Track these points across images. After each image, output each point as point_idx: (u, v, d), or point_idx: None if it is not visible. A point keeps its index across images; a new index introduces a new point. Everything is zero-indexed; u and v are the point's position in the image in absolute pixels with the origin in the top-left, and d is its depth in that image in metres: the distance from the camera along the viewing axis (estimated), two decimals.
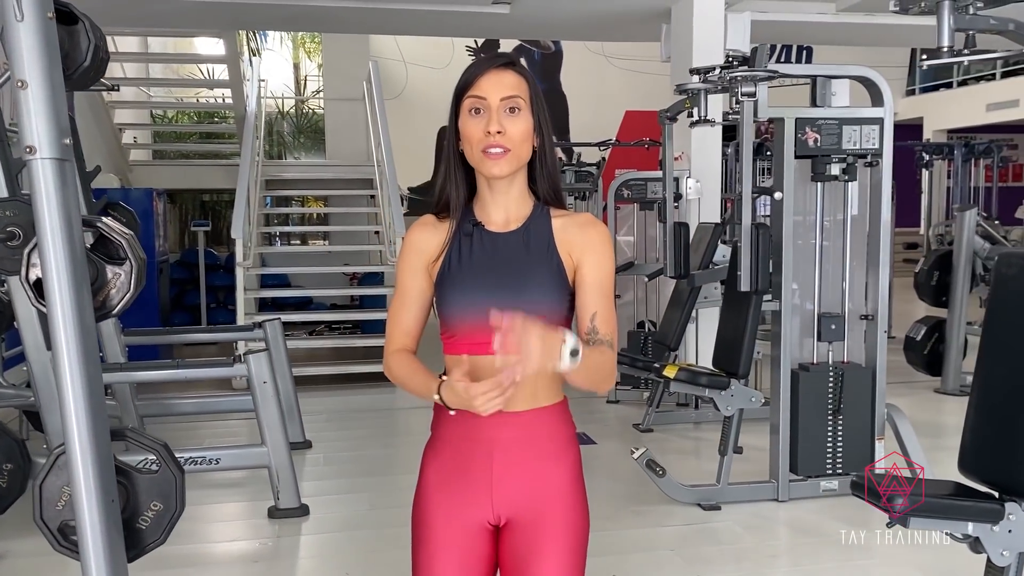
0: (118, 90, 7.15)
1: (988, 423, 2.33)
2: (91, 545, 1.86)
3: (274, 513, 4.03)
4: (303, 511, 4.05)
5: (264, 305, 8.21)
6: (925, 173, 12.81)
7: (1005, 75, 15.01)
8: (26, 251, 1.88)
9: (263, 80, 10.14)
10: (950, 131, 15.76)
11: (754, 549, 3.72)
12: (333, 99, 11.02)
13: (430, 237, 1.68)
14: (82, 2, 2.30)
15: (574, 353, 1.42)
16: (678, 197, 5.21)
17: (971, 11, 2.46)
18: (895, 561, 3.52)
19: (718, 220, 5.89)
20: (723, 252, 5.46)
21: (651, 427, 5.55)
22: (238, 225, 6.93)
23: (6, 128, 3.47)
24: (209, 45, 12.72)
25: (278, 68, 14.87)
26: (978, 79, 15.94)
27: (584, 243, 1.65)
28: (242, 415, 5.83)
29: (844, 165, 4.04)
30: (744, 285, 3.80)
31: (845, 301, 4.22)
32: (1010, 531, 2.21)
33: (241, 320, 6.95)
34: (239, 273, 7.00)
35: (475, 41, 17.14)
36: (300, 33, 15.77)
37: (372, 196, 9.23)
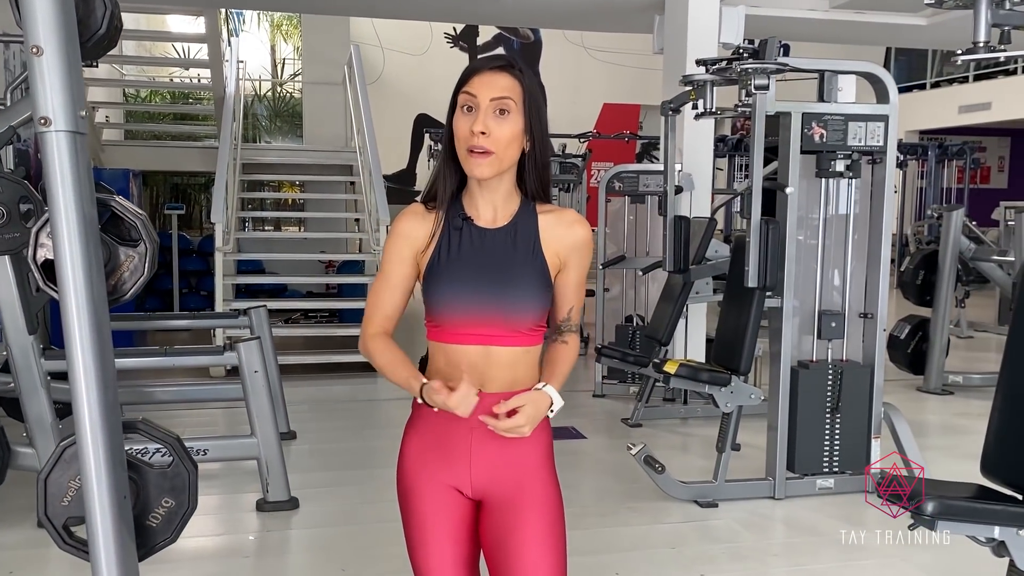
0: (96, 66, 6.92)
1: (1012, 426, 2.30)
2: (102, 545, 1.75)
3: (263, 506, 3.92)
4: (293, 504, 3.94)
5: (239, 291, 8.04)
6: (898, 173, 12.94)
7: (978, 78, 15.19)
8: (34, 230, 1.75)
9: (242, 62, 9.91)
10: (922, 132, 15.94)
11: (754, 547, 3.68)
12: (311, 83, 10.83)
13: (419, 226, 1.72)
14: None
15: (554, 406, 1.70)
16: (679, 190, 5.14)
17: (1008, 6, 2.42)
18: (893, 560, 3.50)
19: (709, 215, 5.85)
20: (715, 247, 5.43)
21: (640, 422, 5.51)
22: (218, 209, 6.75)
23: None
24: (185, 23, 12.41)
25: (255, 50, 14.58)
26: (950, 81, 16.12)
27: (571, 245, 1.73)
28: (221, 404, 5.69)
29: (849, 162, 4.00)
30: (751, 281, 3.75)
31: (846, 299, 4.20)
32: None
33: (219, 307, 6.78)
34: (218, 259, 6.82)
35: (454, 28, 16.97)
36: (278, 15, 15.50)
37: (352, 183, 9.08)
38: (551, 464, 1.79)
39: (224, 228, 6.82)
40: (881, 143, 4.01)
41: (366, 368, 7.05)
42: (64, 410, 3.54)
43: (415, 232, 1.71)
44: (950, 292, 6.40)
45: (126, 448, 1.85)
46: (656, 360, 4.61)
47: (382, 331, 1.73)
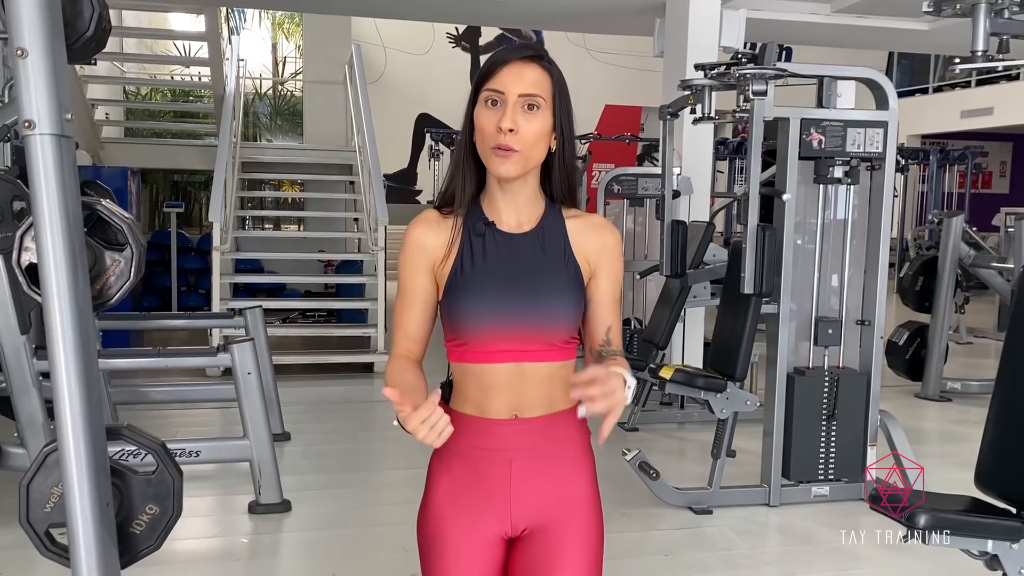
0: (95, 63, 6.90)
1: (1008, 439, 2.28)
2: (83, 552, 1.73)
3: (255, 508, 3.89)
4: (285, 507, 3.92)
5: (237, 290, 8.02)
6: (900, 177, 12.91)
7: (980, 83, 15.17)
8: (18, 233, 1.74)
9: (242, 60, 9.90)
10: (924, 136, 15.93)
11: (748, 555, 3.66)
12: (312, 82, 10.81)
13: (435, 235, 1.56)
14: None
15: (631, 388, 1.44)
16: (676, 194, 5.12)
17: (1006, 14, 2.40)
18: (888, 570, 3.48)
19: (708, 219, 5.84)
20: (713, 251, 5.41)
21: (636, 426, 5.49)
22: (216, 208, 6.73)
23: None
24: (187, 21, 12.41)
25: (256, 48, 14.58)
26: (953, 86, 16.10)
27: (600, 250, 1.59)
28: (215, 404, 5.67)
29: (847, 168, 3.98)
30: (747, 287, 3.73)
31: (843, 305, 4.18)
32: None
33: (217, 306, 6.76)
34: (215, 258, 6.81)
35: (456, 28, 16.98)
36: (279, 13, 15.50)
37: (351, 182, 9.06)
38: (596, 492, 1.63)
39: (222, 227, 6.81)
40: (880, 149, 3.99)
41: (363, 369, 7.04)
42: None
43: (430, 242, 1.55)
44: (949, 298, 6.38)
45: (110, 454, 1.84)
46: (652, 365, 4.59)
47: (406, 354, 1.56)
